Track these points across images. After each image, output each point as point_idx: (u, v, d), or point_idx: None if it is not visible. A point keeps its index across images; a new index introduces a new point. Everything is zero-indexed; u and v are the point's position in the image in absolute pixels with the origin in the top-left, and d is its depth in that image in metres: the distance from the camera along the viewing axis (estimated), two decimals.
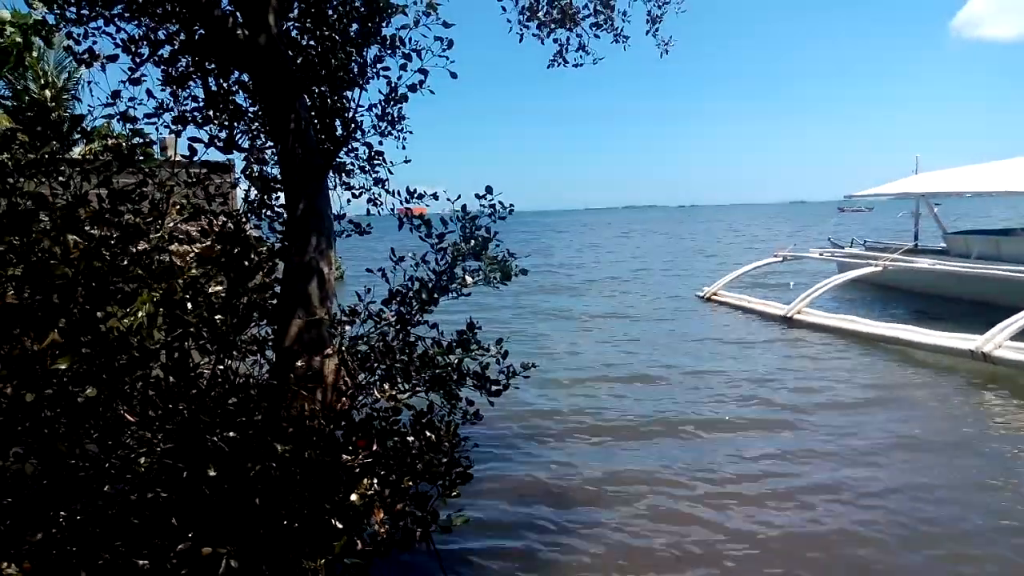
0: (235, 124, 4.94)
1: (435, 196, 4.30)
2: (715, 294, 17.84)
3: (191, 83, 4.82)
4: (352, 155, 5.18)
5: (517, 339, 13.23)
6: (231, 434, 2.43)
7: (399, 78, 4.19)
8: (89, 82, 4.03)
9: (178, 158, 3.76)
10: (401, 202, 4.25)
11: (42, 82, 17.04)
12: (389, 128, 4.88)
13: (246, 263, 2.42)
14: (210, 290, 2.70)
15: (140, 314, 2.32)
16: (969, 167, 19.24)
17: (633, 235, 60.64)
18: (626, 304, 18.67)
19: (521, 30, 6.90)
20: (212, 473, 2.31)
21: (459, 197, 4.16)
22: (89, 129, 3.34)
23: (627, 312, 17.18)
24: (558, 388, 9.76)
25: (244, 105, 4.96)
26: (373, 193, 5.15)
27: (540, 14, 6.85)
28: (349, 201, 5.16)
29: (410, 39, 4.20)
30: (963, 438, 7.41)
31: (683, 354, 11.94)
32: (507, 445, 7.37)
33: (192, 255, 2.53)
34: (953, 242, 18.33)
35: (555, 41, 6.97)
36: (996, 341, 10.11)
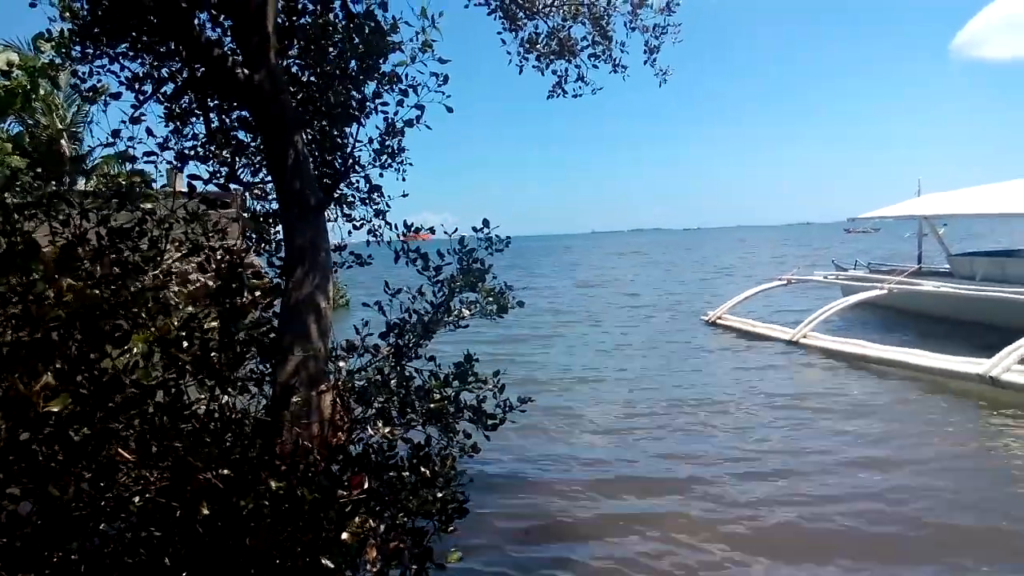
0: (236, 159, 5.01)
1: (432, 230, 4.33)
2: (720, 318, 17.82)
3: (193, 119, 4.90)
4: (353, 188, 5.24)
5: (521, 365, 13.25)
6: (225, 471, 2.43)
7: (396, 113, 4.25)
8: (91, 121, 4.12)
9: (179, 195, 3.81)
10: (398, 235, 4.28)
11: (53, 116, 17.29)
12: (389, 160, 4.94)
13: (240, 299, 2.44)
14: (206, 326, 2.72)
15: (135, 351, 2.35)
16: (970, 189, 19.27)
17: (640, 257, 60.69)
18: (631, 326, 18.69)
19: (521, 62, 7.02)
20: (205, 511, 2.31)
21: (456, 230, 4.20)
22: (89, 167, 3.39)
23: (631, 334, 17.20)
24: (557, 415, 9.75)
25: (246, 140, 5.03)
26: (374, 225, 5.20)
27: (539, 46, 6.96)
28: (350, 232, 5.22)
29: (407, 75, 4.27)
30: (974, 462, 7.38)
31: (685, 379, 11.93)
32: (504, 476, 7.34)
33: (187, 291, 2.56)
34: (958, 264, 18.31)
35: (554, 72, 7.09)
36: (1004, 364, 10.06)
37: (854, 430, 8.58)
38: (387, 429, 3.10)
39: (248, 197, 4.89)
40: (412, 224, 4.40)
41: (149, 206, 3.18)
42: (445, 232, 4.28)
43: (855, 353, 12.74)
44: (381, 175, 5.02)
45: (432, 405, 3.32)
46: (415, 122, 4.25)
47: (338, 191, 5.07)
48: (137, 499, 2.53)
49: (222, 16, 4.34)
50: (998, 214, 16.59)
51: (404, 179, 5.11)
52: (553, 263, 61.00)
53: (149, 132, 3.96)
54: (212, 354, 2.40)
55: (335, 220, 5.26)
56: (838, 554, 5.37)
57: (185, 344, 2.56)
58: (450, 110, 4.20)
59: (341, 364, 3.52)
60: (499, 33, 6.89)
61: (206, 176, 4.52)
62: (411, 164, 5.02)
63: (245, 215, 3.90)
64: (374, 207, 5.20)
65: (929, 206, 19.28)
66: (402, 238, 4.36)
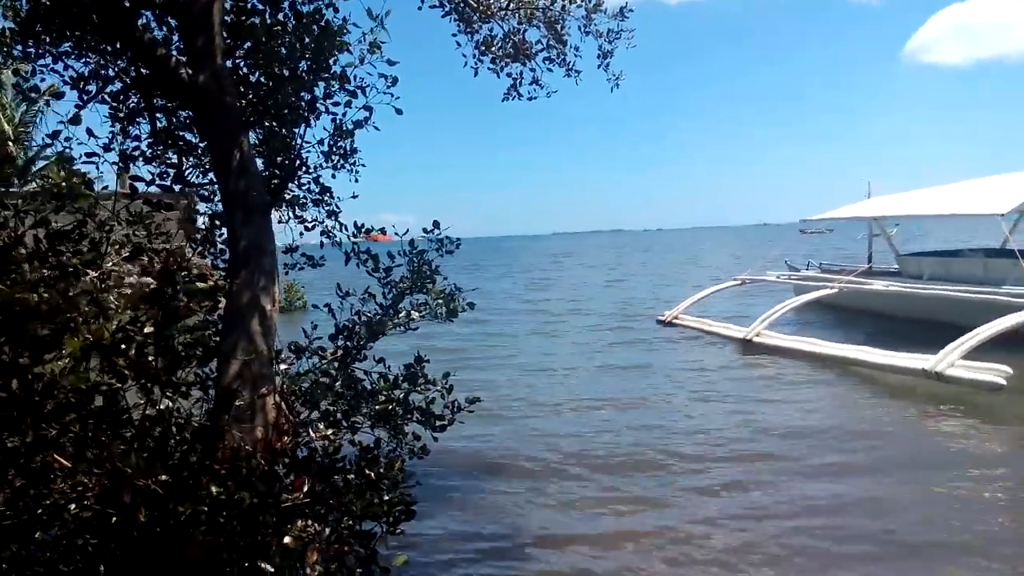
0: (183, 160, 4.93)
1: (383, 231, 4.32)
2: (676, 317, 18.04)
3: (140, 120, 4.81)
4: (305, 189, 5.19)
5: (475, 363, 13.26)
6: (163, 477, 2.40)
7: (344, 115, 4.23)
8: (32, 123, 4.02)
9: (122, 196, 3.74)
10: (349, 237, 4.27)
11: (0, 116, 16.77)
12: (342, 162, 4.92)
13: (175, 302, 2.42)
14: (146, 330, 2.68)
15: (69, 356, 2.31)
16: (917, 191, 19.83)
17: (598, 257, 61.04)
18: (587, 322, 18.84)
19: (476, 64, 7.02)
20: (142, 518, 2.28)
21: (407, 231, 4.20)
22: (26, 167, 3.31)
23: (587, 332, 17.34)
24: (514, 413, 9.78)
25: (194, 140, 4.95)
26: (326, 226, 5.16)
27: (495, 49, 6.97)
28: (302, 234, 5.17)
29: (355, 76, 4.26)
30: (918, 455, 7.58)
31: (639, 378, 12.07)
32: (457, 479, 7.33)
33: (124, 294, 2.52)
34: (905, 264, 18.80)
35: (509, 75, 7.10)
36: (949, 360, 10.36)
37: (804, 426, 8.76)
38: (329, 432, 3.09)
39: (196, 199, 4.82)
40: (363, 225, 4.39)
41: (87, 207, 3.12)
42: (396, 234, 4.29)
43: (806, 351, 13.02)
44: (334, 176, 4.99)
45: (377, 407, 3.32)
46: (364, 123, 4.23)
47: (289, 192, 5.03)
48: (73, 506, 2.48)
49: (168, 15, 4.28)
50: (942, 215, 17.08)
51: (357, 180, 5.08)
52: (512, 264, 61.07)
53: (90, 133, 3.89)
54: (149, 358, 2.37)
55: (287, 221, 5.21)
56: (791, 559, 5.44)
57: (123, 347, 2.53)
58: (399, 112, 4.20)
59: (283, 367, 3.49)
60: (454, 35, 6.89)
61: (153, 177, 4.45)
62: (364, 165, 5.00)
63: (188, 217, 3.84)
64: (327, 208, 5.16)
65: (878, 208, 19.78)
66: (354, 239, 4.34)
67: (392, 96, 4.15)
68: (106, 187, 4.03)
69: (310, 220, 5.20)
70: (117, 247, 3.51)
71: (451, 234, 3.98)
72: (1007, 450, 7.86)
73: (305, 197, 5.17)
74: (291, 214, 5.21)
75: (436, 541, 5.77)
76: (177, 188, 4.51)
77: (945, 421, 8.88)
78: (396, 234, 4.14)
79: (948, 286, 14.68)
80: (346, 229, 4.53)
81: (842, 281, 16.82)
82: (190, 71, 3.58)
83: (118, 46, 4.26)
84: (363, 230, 4.33)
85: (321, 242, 5.07)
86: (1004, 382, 9.43)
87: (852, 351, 12.18)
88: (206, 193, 4.87)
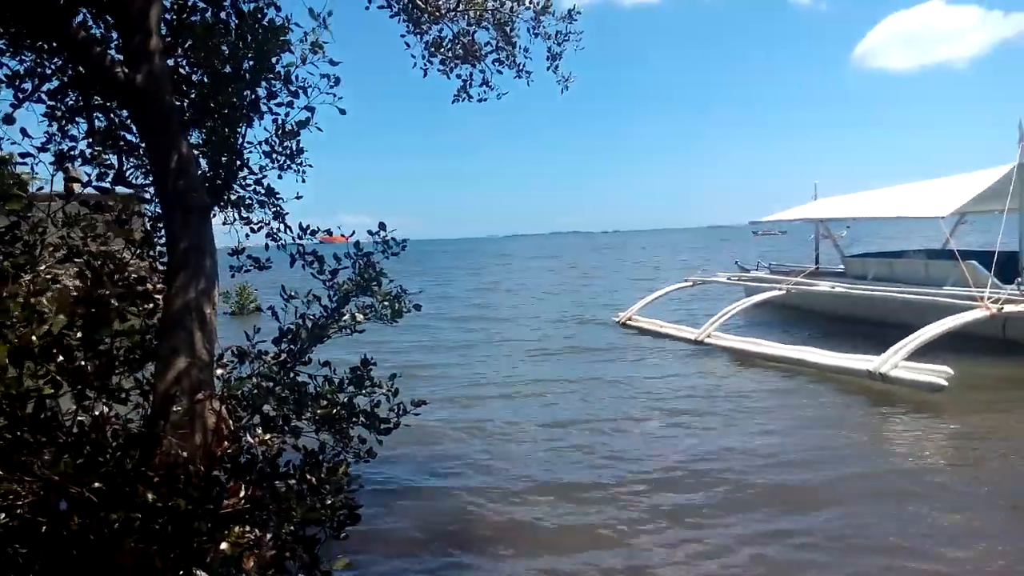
0: (124, 160, 4.82)
1: (328, 232, 4.30)
2: (630, 319, 18.22)
3: (80, 119, 4.69)
4: (250, 190, 5.12)
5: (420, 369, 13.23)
6: (97, 484, 2.36)
7: (287, 115, 4.20)
8: None
9: (58, 197, 3.66)
10: (293, 238, 4.23)
11: None
12: (288, 162, 4.87)
13: (104, 307, 2.37)
14: (79, 335, 2.63)
15: None
16: (862, 193, 20.36)
17: (555, 260, 61.32)
18: (541, 325, 18.92)
19: (426, 65, 7.01)
20: (74, 527, 2.24)
21: (353, 233, 4.18)
22: None
23: (543, 334, 17.42)
24: (463, 407, 9.80)
25: (135, 140, 4.85)
26: (272, 228, 5.09)
27: (444, 50, 6.97)
28: (248, 235, 5.09)
29: (297, 76, 4.23)
30: (861, 454, 7.77)
31: (595, 375, 12.23)
32: (405, 481, 7.30)
33: (54, 298, 2.47)
34: (851, 265, 19.28)
35: (459, 77, 7.12)
36: (892, 362, 10.64)
37: (752, 426, 8.93)
38: (268, 436, 3.06)
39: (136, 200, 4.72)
40: (308, 227, 4.35)
41: (17, 208, 3.04)
42: (342, 235, 4.27)
43: (755, 352, 13.26)
44: (280, 177, 4.94)
45: (320, 411, 3.30)
46: (307, 124, 4.20)
47: (235, 193, 4.95)
48: (3, 515, 2.42)
49: (106, 14, 4.19)
50: (886, 217, 17.56)
51: (303, 181, 5.04)
52: (469, 265, 61.01)
53: (24, 132, 3.78)
54: (80, 363, 2.33)
55: (232, 223, 5.13)
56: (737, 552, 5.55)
57: (53, 352, 2.48)
58: (343, 112, 4.18)
59: (220, 372, 3.44)
60: (403, 36, 6.87)
61: (92, 178, 4.35)
62: (311, 166, 4.96)
63: (120, 219, 3.76)
64: (272, 210, 5.10)
65: (824, 210, 20.27)
66: (298, 241, 4.30)
67: (335, 97, 4.13)
68: (40, 188, 3.92)
69: (256, 222, 5.13)
70: (51, 249, 3.44)
71: (410, 236, 3.99)
72: (948, 448, 8.12)
73: (251, 198, 5.11)
74: (236, 215, 5.13)
75: (384, 542, 5.74)
76: (117, 189, 4.42)
77: (888, 420, 9.14)
78: (343, 236, 4.12)
79: (892, 286, 15.09)
80: (291, 231, 4.49)
81: (790, 282, 17.18)
82: (127, 70, 3.51)
83: (54, 44, 4.16)
84: (309, 231, 4.29)
85: (267, 244, 5.00)
86: (945, 383, 9.71)
87: (800, 352, 12.43)
88: (147, 195, 4.78)
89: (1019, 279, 12.72)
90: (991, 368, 11.49)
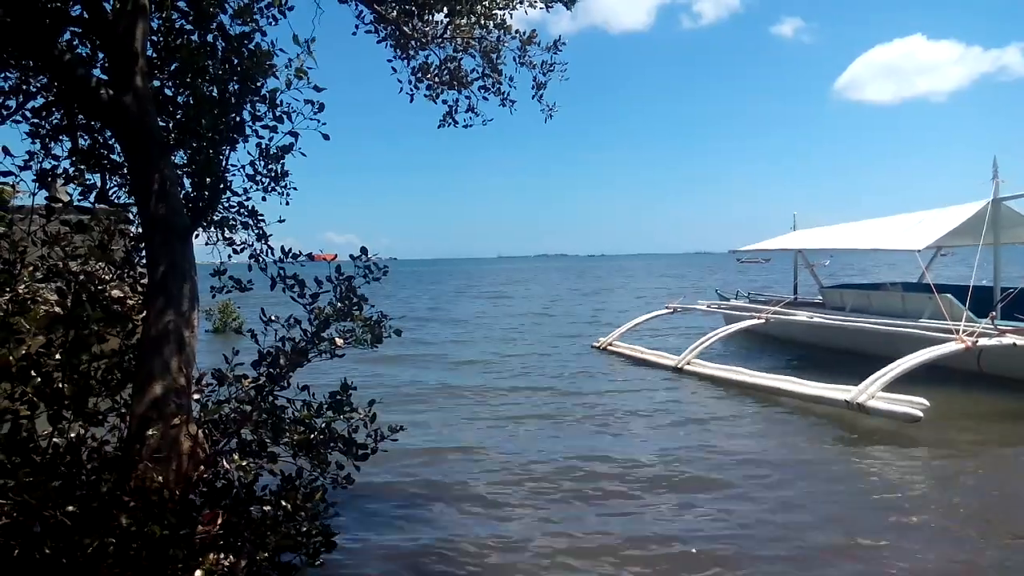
0: (107, 179, 4.82)
1: (310, 256, 4.30)
2: (610, 344, 18.25)
3: (63, 137, 4.69)
4: (234, 211, 5.11)
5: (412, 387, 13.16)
6: (71, 508, 2.33)
7: (271, 139, 4.22)
8: None
9: (39, 215, 3.63)
10: (274, 261, 4.22)
11: None
12: (273, 185, 4.89)
13: (84, 330, 2.36)
14: (57, 356, 2.61)
15: None
16: (841, 225, 20.58)
17: (539, 283, 61.37)
18: (522, 351, 18.90)
19: (412, 91, 7.07)
20: (47, 551, 2.21)
21: (335, 257, 4.20)
22: None
23: (521, 357, 17.41)
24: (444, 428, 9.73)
25: (119, 160, 4.84)
26: (255, 249, 5.08)
27: (430, 75, 7.03)
28: (230, 256, 5.08)
29: (281, 101, 4.25)
30: (839, 484, 7.79)
31: (575, 400, 12.22)
32: (382, 509, 7.23)
33: (35, 319, 2.45)
34: (829, 295, 19.44)
35: (444, 102, 7.17)
36: (869, 392, 10.68)
37: (726, 450, 8.95)
38: (244, 462, 3.03)
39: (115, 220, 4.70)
40: (290, 250, 4.35)
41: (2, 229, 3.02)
42: (334, 254, 4.28)
43: (734, 380, 13.30)
44: (264, 199, 4.96)
45: (297, 436, 3.28)
46: (291, 149, 4.23)
47: (218, 214, 4.95)
48: None
49: (92, 34, 4.20)
50: (863, 249, 17.75)
51: (288, 203, 5.06)
52: (454, 287, 60.92)
53: (6, 151, 3.77)
54: (56, 385, 2.31)
55: (215, 243, 5.12)
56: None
57: (33, 373, 2.46)
58: (326, 137, 4.21)
59: (197, 396, 3.42)
60: (390, 60, 6.94)
61: (71, 198, 4.33)
62: (295, 188, 4.98)
63: (101, 241, 3.74)
64: (256, 231, 5.10)
65: (802, 241, 20.47)
66: (279, 263, 4.29)
67: (319, 122, 4.16)
68: (22, 206, 3.90)
69: (239, 243, 5.13)
70: (31, 269, 3.42)
71: (398, 255, 4.01)
72: (922, 479, 8.17)
73: (234, 219, 5.10)
74: (219, 236, 5.13)
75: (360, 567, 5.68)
76: (99, 207, 4.41)
77: (863, 450, 9.17)
78: (324, 259, 4.14)
79: (869, 318, 15.23)
80: (273, 252, 4.48)
81: (769, 311, 17.30)
82: (111, 91, 3.52)
83: (39, 64, 4.17)
84: (291, 255, 4.28)
85: (249, 265, 5.00)
86: (921, 414, 9.76)
87: (777, 381, 12.48)
88: (130, 215, 4.77)
89: (993, 313, 12.90)
90: (966, 400, 11.59)
